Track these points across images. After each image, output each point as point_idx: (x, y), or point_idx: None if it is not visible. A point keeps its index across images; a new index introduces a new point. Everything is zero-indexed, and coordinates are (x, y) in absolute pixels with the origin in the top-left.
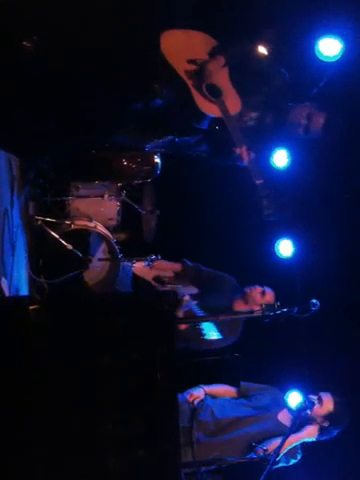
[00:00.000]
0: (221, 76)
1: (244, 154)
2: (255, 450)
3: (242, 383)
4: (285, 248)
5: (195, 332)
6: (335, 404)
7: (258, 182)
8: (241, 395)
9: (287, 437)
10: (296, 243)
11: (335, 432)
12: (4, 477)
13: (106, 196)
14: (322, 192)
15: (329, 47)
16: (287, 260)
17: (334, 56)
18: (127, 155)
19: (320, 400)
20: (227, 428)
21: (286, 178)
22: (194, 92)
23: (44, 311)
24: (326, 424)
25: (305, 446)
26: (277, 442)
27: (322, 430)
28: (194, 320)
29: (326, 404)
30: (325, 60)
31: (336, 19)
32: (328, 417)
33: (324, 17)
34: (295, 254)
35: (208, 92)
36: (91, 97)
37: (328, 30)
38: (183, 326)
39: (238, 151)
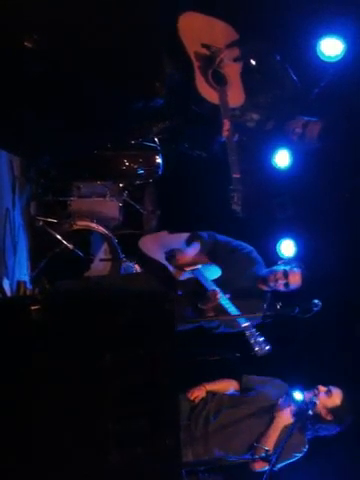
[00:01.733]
0: (232, 68)
1: (225, 126)
2: (256, 449)
3: (245, 376)
4: (287, 248)
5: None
6: (343, 400)
7: (234, 175)
8: (244, 388)
9: (290, 436)
10: (298, 243)
11: (335, 429)
12: (4, 477)
13: (108, 196)
14: (324, 192)
15: (331, 47)
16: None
17: (336, 56)
18: (129, 155)
19: (329, 392)
20: (228, 426)
21: (288, 178)
22: (197, 74)
23: (45, 311)
24: (330, 418)
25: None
26: (276, 431)
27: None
28: (191, 321)
29: (334, 397)
30: (327, 60)
31: (338, 19)
32: (333, 411)
33: (326, 17)
34: (297, 254)
35: (212, 78)
36: (92, 96)
37: (330, 30)
38: (211, 313)
39: (223, 122)
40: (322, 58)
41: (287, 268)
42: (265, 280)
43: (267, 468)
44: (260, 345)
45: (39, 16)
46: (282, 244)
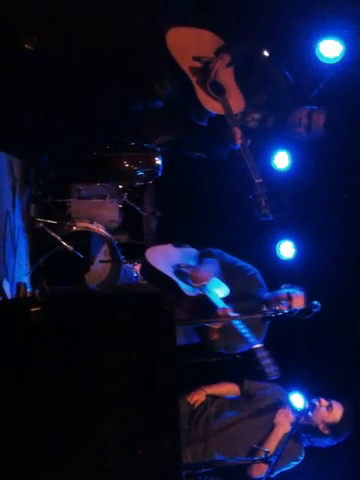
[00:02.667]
0: (226, 74)
1: (237, 134)
2: (257, 451)
3: (246, 381)
4: (286, 250)
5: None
6: (343, 415)
7: (257, 181)
8: (244, 393)
9: (289, 438)
10: (297, 244)
11: (331, 443)
12: (4, 477)
13: (107, 198)
14: (323, 193)
15: (330, 49)
16: (288, 261)
17: (335, 58)
18: (128, 157)
19: (330, 407)
20: (227, 430)
21: (287, 179)
22: (197, 88)
23: (45, 312)
24: (327, 432)
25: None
26: (276, 438)
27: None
28: (192, 321)
29: (335, 413)
30: (326, 61)
31: (337, 21)
32: (331, 426)
33: (325, 19)
34: (296, 255)
35: (212, 89)
36: (91, 97)
37: (329, 32)
38: (215, 336)
39: (233, 130)
40: (321, 60)
41: (290, 291)
42: (268, 303)
43: (266, 472)
44: (271, 368)
45: (39, 18)
46: (281, 245)
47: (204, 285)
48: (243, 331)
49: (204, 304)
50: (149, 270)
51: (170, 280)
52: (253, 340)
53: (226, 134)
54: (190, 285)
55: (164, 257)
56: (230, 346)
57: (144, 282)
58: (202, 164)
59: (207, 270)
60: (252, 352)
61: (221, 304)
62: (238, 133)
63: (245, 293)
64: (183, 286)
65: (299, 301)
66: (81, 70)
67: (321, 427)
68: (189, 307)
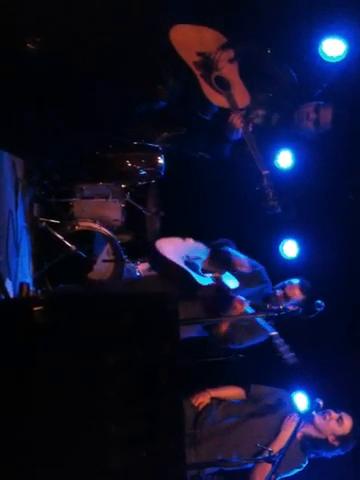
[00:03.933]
0: (231, 70)
1: (237, 118)
2: (261, 452)
3: (253, 385)
4: (290, 249)
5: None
6: (352, 428)
7: (264, 172)
8: (250, 397)
9: (292, 440)
10: (301, 243)
11: (338, 453)
12: (4, 477)
13: (110, 197)
14: (326, 193)
15: (333, 47)
16: (292, 261)
17: (338, 57)
18: (131, 156)
19: (340, 420)
20: (232, 432)
21: (290, 178)
22: (202, 82)
23: (48, 312)
24: (337, 444)
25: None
26: (282, 442)
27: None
28: (195, 321)
29: (345, 425)
30: (329, 60)
31: (340, 20)
32: (341, 438)
33: (328, 18)
34: (300, 255)
35: (216, 83)
36: (95, 98)
37: (332, 31)
38: (225, 328)
39: (232, 116)
40: (324, 59)
41: (286, 282)
42: (268, 298)
43: (270, 472)
44: (289, 354)
45: (39, 18)
46: (285, 244)
47: (217, 276)
48: (259, 320)
49: (217, 294)
50: (160, 260)
51: (182, 270)
52: (270, 328)
53: (227, 123)
54: (201, 275)
55: (174, 248)
56: (237, 339)
57: (151, 274)
58: (205, 164)
59: (244, 259)
60: (269, 341)
61: (235, 294)
62: (238, 117)
63: (252, 288)
64: (196, 276)
65: (294, 290)
66: (81, 70)
67: (331, 439)
68: (203, 297)
